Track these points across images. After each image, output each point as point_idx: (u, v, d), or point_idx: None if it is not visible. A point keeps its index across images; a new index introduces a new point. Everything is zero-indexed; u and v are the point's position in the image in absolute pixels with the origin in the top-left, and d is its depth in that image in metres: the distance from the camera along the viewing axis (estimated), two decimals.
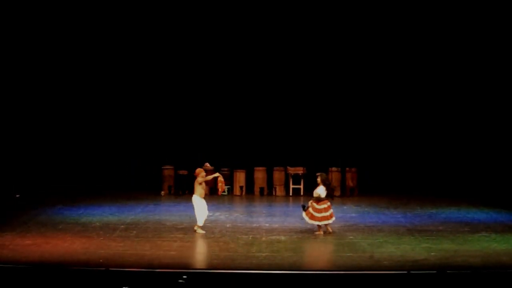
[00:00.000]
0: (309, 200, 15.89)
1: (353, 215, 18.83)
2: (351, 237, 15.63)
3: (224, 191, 15.84)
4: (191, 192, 22.68)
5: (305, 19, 23.60)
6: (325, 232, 15.65)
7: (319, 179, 15.83)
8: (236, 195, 22.51)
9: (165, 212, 19.07)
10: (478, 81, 23.37)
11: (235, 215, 18.15)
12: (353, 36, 23.71)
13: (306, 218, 15.64)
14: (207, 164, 23.06)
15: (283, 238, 15.39)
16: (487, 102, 23.37)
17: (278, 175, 22.47)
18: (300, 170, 22.68)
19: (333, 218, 15.68)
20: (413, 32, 23.44)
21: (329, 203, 15.68)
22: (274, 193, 22.60)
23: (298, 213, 18.28)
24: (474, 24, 23.02)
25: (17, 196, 21.26)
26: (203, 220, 15.71)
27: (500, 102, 23.24)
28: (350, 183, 22.68)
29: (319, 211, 15.53)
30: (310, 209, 15.57)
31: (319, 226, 15.65)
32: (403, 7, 23.29)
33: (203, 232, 15.59)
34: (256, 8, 23.49)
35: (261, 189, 22.71)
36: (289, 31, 23.71)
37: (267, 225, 16.93)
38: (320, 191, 15.66)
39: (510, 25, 22.68)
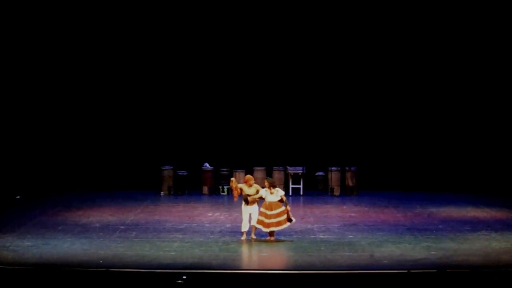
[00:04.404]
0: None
1: (353, 214, 18.84)
2: (351, 236, 15.63)
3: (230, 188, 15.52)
4: (190, 192, 22.90)
5: (304, 19, 23.58)
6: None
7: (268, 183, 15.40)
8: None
9: (165, 213, 19.07)
10: (477, 78, 23.35)
11: (235, 215, 18.09)
12: (352, 36, 23.69)
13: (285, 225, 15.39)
14: (207, 165, 23.14)
15: (283, 238, 15.38)
16: (486, 100, 23.35)
17: (277, 175, 22.44)
18: (299, 170, 22.68)
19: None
20: (411, 31, 23.42)
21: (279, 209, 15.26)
22: None
23: (298, 213, 18.31)
24: (472, 23, 23.01)
25: (18, 197, 21.25)
26: (245, 226, 15.27)
27: (499, 101, 23.22)
28: (349, 182, 22.68)
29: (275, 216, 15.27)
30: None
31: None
32: (403, 7, 23.28)
33: (243, 238, 15.28)
34: (255, 8, 23.48)
35: None
36: (289, 31, 23.69)
37: None
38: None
39: (508, 25, 22.67)
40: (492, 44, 23.06)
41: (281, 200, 15.14)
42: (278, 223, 15.06)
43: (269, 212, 15.01)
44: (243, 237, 15.26)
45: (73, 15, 23.20)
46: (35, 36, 23.00)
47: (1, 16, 22.29)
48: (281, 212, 15.05)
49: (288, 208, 15.17)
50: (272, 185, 15.22)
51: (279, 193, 15.18)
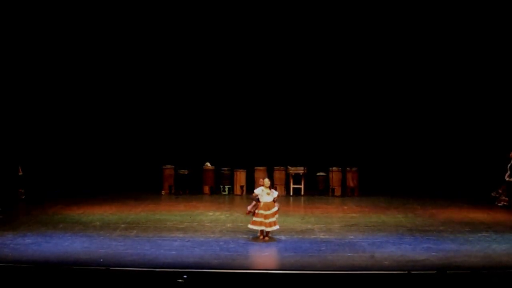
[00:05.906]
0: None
1: (354, 215, 18.82)
2: (351, 237, 15.63)
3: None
4: (191, 191, 22.90)
5: (305, 19, 23.60)
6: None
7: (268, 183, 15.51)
8: (236, 195, 22.53)
9: (166, 212, 19.07)
10: (477, 81, 23.35)
11: (235, 215, 18.14)
12: (354, 37, 23.70)
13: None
14: (208, 164, 23.14)
15: (283, 238, 15.39)
16: (486, 102, 23.34)
17: (278, 175, 22.45)
18: (300, 170, 22.68)
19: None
20: (412, 33, 23.43)
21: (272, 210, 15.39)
22: None
23: (299, 213, 18.31)
24: (473, 25, 23.02)
25: (22, 197, 21.22)
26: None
27: (499, 103, 23.22)
28: (350, 183, 22.67)
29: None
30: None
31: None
32: (403, 7, 23.29)
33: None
34: (256, 8, 23.49)
35: None
36: (290, 31, 23.71)
37: None
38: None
39: (507, 25, 22.70)
40: (491, 49, 23.11)
41: (274, 200, 15.28)
42: (273, 223, 15.15)
43: (266, 212, 15.11)
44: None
45: (73, 15, 23.20)
46: (36, 37, 23.02)
47: (1, 17, 22.31)
48: (276, 212, 15.19)
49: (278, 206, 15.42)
50: (270, 187, 15.41)
51: (274, 194, 15.31)
